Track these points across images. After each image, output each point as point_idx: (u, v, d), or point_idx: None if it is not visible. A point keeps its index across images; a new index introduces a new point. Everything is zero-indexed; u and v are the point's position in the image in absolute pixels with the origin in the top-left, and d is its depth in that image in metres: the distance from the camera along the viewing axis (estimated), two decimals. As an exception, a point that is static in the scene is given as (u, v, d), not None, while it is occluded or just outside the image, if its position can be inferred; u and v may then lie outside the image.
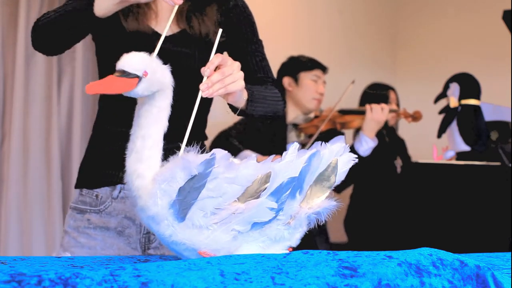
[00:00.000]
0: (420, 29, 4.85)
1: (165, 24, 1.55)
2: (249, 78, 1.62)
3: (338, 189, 3.38)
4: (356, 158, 1.18)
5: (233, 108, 1.48)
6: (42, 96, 3.17)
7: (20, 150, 3.12)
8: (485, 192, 2.83)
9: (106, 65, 1.59)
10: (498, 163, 2.93)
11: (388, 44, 4.91)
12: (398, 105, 3.69)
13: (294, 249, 1.14)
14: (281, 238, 1.13)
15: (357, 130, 3.31)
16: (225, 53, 1.60)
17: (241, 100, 1.43)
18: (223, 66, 1.28)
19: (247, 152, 3.02)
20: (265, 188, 1.08)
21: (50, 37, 1.49)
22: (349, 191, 3.63)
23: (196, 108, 1.20)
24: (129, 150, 1.13)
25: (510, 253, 1.42)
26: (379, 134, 3.25)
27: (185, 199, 1.06)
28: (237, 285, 0.91)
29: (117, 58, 1.50)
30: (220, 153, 1.06)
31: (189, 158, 1.06)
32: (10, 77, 3.12)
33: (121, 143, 1.27)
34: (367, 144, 3.17)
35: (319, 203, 1.14)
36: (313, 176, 1.12)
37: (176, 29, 1.56)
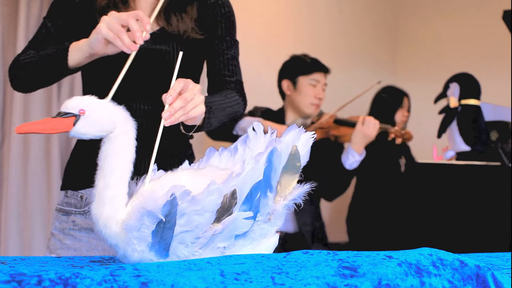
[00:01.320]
0: (420, 29, 4.85)
1: None
2: (213, 76, 1.63)
3: (330, 198, 3.37)
4: (314, 134, 1.18)
5: (186, 126, 1.45)
6: (42, 96, 3.17)
7: (20, 150, 3.12)
8: (485, 192, 2.82)
9: (88, 74, 1.61)
10: (498, 163, 2.93)
11: (388, 44, 4.91)
12: (409, 110, 3.67)
13: (294, 249, 1.14)
14: (266, 234, 1.14)
15: None
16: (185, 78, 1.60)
17: (199, 120, 1.42)
18: (184, 90, 1.26)
19: (249, 118, 3.00)
20: (235, 203, 1.07)
21: (28, 79, 1.54)
22: (350, 191, 3.63)
23: (159, 135, 1.18)
24: (93, 195, 1.12)
25: (510, 253, 1.42)
26: (382, 134, 3.21)
27: (162, 239, 1.05)
28: (237, 285, 0.91)
29: (99, 63, 1.52)
30: (179, 190, 1.03)
31: (149, 205, 1.03)
32: (10, 77, 3.12)
33: None
34: (353, 158, 3.10)
35: (293, 191, 1.15)
36: (278, 172, 1.12)
37: (155, 27, 1.57)
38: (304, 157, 1.17)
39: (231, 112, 1.55)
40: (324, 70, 3.18)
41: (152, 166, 1.15)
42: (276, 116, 3.17)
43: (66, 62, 1.45)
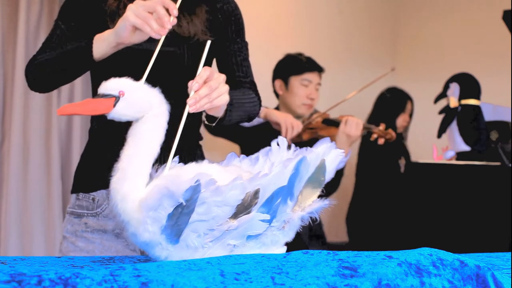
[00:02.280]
0: (420, 29, 4.85)
1: None
2: (228, 77, 1.64)
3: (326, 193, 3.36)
4: (343, 152, 1.18)
5: (208, 117, 1.47)
6: (42, 96, 3.17)
7: (20, 150, 3.12)
8: (485, 192, 2.83)
9: (98, 74, 1.61)
10: (498, 163, 2.93)
11: (388, 44, 4.91)
12: (411, 115, 3.66)
13: (294, 249, 1.14)
14: (277, 242, 1.13)
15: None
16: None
17: (222, 111, 1.43)
18: (209, 79, 1.27)
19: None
20: (256, 203, 1.07)
21: (48, 77, 1.53)
22: (350, 191, 3.63)
23: (183, 122, 1.19)
24: (115, 168, 1.12)
25: (510, 253, 1.42)
26: (368, 134, 3.19)
27: (176, 224, 1.05)
28: (237, 285, 0.91)
29: (109, 63, 1.52)
30: (205, 178, 1.04)
31: (172, 187, 1.03)
32: (10, 77, 3.12)
33: (116, 147, 1.27)
34: None
35: (312, 204, 1.15)
36: (302, 181, 1.12)
37: None
38: (330, 173, 1.16)
39: (249, 109, 1.56)
40: (318, 69, 3.12)
41: (173, 153, 1.15)
42: None
43: (91, 54, 1.44)
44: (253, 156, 1.21)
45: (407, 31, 4.91)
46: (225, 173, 1.12)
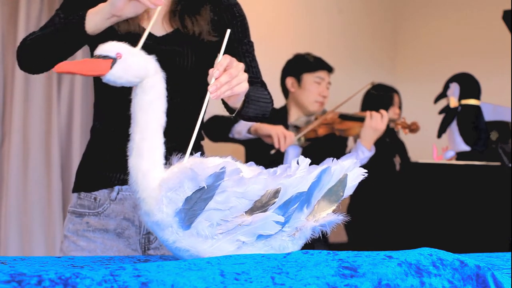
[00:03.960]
0: (420, 29, 4.85)
1: (158, 24, 1.57)
2: None
3: None
4: (366, 173, 1.18)
5: (228, 109, 1.48)
6: (42, 96, 3.17)
7: (20, 150, 3.12)
8: (485, 192, 2.83)
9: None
10: (498, 163, 2.93)
11: (388, 44, 4.91)
12: (400, 107, 3.67)
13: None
14: (285, 248, 1.13)
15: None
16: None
17: (239, 102, 1.44)
18: (229, 67, 1.28)
19: (244, 122, 3.00)
20: (274, 203, 1.07)
21: (40, 54, 1.50)
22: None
23: (204, 108, 1.20)
24: (130, 149, 1.12)
25: (510, 253, 1.42)
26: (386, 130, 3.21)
27: (191, 209, 1.05)
28: (237, 285, 0.91)
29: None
30: (230, 167, 1.04)
31: (197, 170, 1.04)
32: (10, 77, 3.12)
33: (118, 146, 1.27)
34: (363, 154, 3.09)
35: (325, 216, 1.14)
36: (322, 191, 1.12)
37: (169, 29, 1.57)
38: (349, 190, 1.16)
39: (264, 105, 1.57)
40: (328, 68, 3.19)
41: (192, 143, 1.15)
42: (279, 114, 3.17)
43: (83, 27, 1.43)
44: (271, 170, 1.21)
45: (407, 31, 4.91)
46: (248, 169, 1.13)
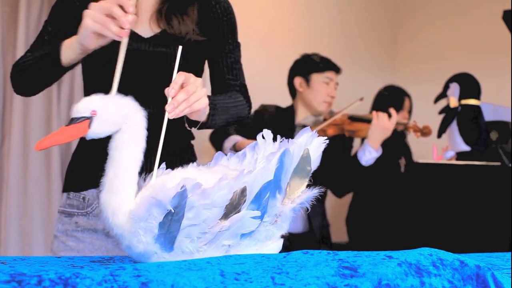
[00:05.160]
0: (420, 29, 4.85)
1: (145, 26, 1.56)
2: (217, 80, 1.62)
3: (340, 194, 3.38)
4: (326, 140, 1.18)
5: (189, 122, 1.46)
6: (42, 96, 3.17)
7: (20, 150, 3.12)
8: (485, 192, 2.82)
9: (89, 73, 1.61)
10: (498, 163, 2.93)
11: (388, 44, 4.91)
12: (410, 112, 3.67)
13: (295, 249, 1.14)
14: (272, 236, 1.14)
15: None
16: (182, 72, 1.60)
17: (203, 115, 1.42)
18: (186, 84, 1.26)
19: (234, 137, 3.00)
20: (244, 201, 1.07)
21: (30, 80, 1.53)
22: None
23: (164, 130, 1.18)
24: (102, 184, 1.12)
25: (510, 253, 1.42)
26: (394, 132, 3.21)
27: (168, 232, 1.05)
28: (237, 285, 0.91)
29: (99, 64, 1.51)
30: (190, 183, 1.04)
31: (159, 196, 1.04)
32: (10, 77, 3.12)
33: (107, 146, 1.26)
34: (370, 154, 3.09)
35: (301, 195, 1.15)
36: (288, 173, 1.12)
37: (156, 30, 1.56)
38: (315, 162, 1.16)
39: (235, 112, 1.56)
40: (336, 69, 3.20)
41: (158, 161, 1.15)
42: (286, 114, 3.17)
43: (59, 61, 1.44)
44: (240, 153, 1.21)
45: (407, 31, 4.91)
46: (211, 174, 1.12)
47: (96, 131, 1.10)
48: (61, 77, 1.55)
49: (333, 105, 3.25)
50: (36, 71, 1.50)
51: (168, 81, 1.54)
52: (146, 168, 1.15)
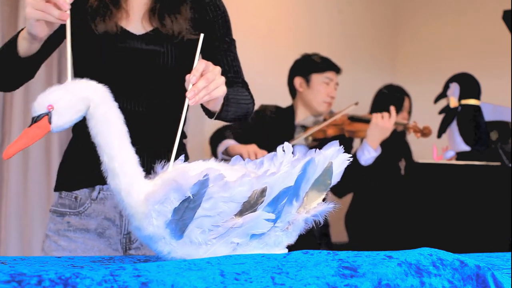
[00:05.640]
0: (420, 29, 4.84)
1: (137, 23, 1.56)
2: None
3: (340, 194, 3.38)
4: (350, 157, 1.18)
5: (207, 112, 1.47)
6: (42, 96, 3.17)
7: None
8: (485, 192, 2.82)
9: (82, 72, 1.60)
10: (498, 163, 2.93)
11: (388, 44, 4.91)
12: (410, 113, 3.67)
13: (294, 249, 1.14)
14: (280, 243, 1.13)
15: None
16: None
17: (219, 105, 1.43)
18: (205, 71, 1.27)
19: (227, 141, 3.00)
20: (262, 201, 1.07)
21: (2, 75, 1.52)
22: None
23: (184, 116, 1.19)
24: (104, 171, 1.11)
25: (510, 253, 1.42)
26: (395, 131, 3.20)
27: (181, 219, 1.05)
28: (237, 285, 0.91)
29: (92, 62, 1.51)
30: (213, 173, 1.04)
31: (181, 180, 1.03)
32: (10, 77, 3.12)
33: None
34: (369, 154, 3.08)
35: (316, 207, 1.14)
36: (309, 183, 1.12)
37: (149, 28, 1.56)
38: (336, 177, 1.16)
39: (244, 107, 1.56)
40: (336, 69, 3.20)
41: (175, 152, 1.15)
42: (286, 114, 3.17)
43: (16, 53, 1.43)
44: (258, 160, 1.21)
45: (407, 31, 4.91)
46: (231, 170, 1.12)
47: (58, 124, 1.09)
48: (35, 71, 1.53)
49: (333, 105, 3.25)
50: (3, 65, 1.49)
51: (158, 80, 1.54)
52: (144, 166, 1.15)
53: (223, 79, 1.32)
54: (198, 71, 1.25)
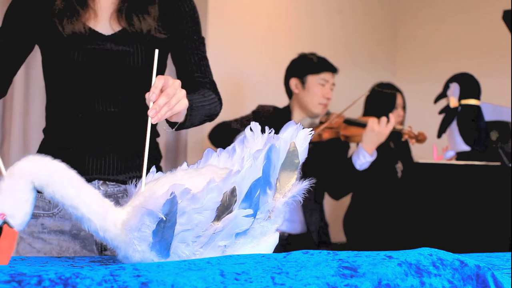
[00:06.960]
0: (420, 29, 4.84)
1: (105, 23, 1.54)
2: (186, 78, 1.59)
3: (337, 196, 3.37)
4: (311, 131, 1.19)
5: (170, 123, 1.44)
6: (42, 96, 3.17)
7: (20, 150, 3.12)
8: (485, 192, 2.82)
9: (52, 75, 1.59)
10: (498, 163, 2.93)
11: (388, 44, 4.91)
12: (404, 108, 3.66)
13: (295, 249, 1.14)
14: (267, 232, 1.14)
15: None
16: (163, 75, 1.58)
17: (183, 116, 1.41)
18: (165, 87, 1.25)
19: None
20: (235, 201, 1.08)
21: None
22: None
23: (148, 135, 1.18)
24: (76, 220, 1.10)
25: (510, 253, 1.42)
26: (391, 136, 3.19)
27: (162, 239, 1.05)
28: (237, 285, 0.91)
29: (61, 65, 1.50)
30: (179, 189, 1.04)
31: (150, 205, 1.03)
32: (10, 77, 3.12)
33: (70, 148, 1.22)
34: (364, 158, 3.06)
35: (292, 188, 1.15)
36: (276, 169, 1.13)
37: (117, 28, 1.54)
38: (302, 154, 1.17)
39: (209, 111, 1.54)
40: (333, 70, 3.17)
41: (145, 167, 1.15)
42: (282, 115, 3.16)
43: None
44: (229, 147, 1.21)
45: (407, 31, 4.91)
46: (199, 176, 1.12)
47: (19, 223, 1.05)
48: (6, 89, 1.55)
49: (332, 105, 3.25)
50: None
51: (129, 80, 1.52)
52: (117, 166, 1.13)
53: (183, 92, 1.31)
54: (157, 88, 1.23)
